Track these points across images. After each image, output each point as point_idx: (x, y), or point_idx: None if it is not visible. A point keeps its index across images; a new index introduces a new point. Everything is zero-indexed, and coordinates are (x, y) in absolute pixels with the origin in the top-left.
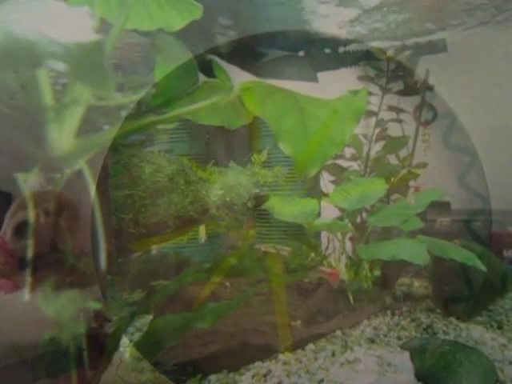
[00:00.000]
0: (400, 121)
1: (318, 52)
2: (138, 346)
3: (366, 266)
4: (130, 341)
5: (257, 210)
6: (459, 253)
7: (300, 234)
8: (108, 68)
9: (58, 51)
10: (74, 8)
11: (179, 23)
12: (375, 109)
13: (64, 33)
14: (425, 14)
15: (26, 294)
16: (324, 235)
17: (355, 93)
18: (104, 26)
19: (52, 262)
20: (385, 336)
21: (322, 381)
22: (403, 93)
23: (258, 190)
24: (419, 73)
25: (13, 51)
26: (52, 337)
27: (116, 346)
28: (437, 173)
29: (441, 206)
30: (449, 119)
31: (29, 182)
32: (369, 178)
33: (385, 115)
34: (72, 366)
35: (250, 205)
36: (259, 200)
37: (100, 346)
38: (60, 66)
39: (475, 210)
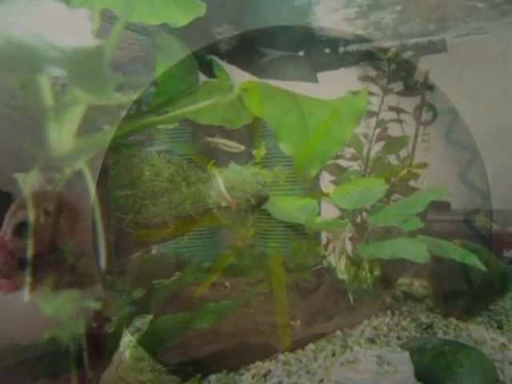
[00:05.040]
0: (400, 121)
1: (318, 52)
2: (140, 343)
3: (366, 265)
4: (130, 341)
5: (258, 208)
6: (459, 252)
7: (300, 234)
8: (107, 73)
9: (57, 56)
10: (74, 10)
11: (183, 20)
12: (376, 109)
13: (64, 36)
14: (425, 14)
15: (25, 294)
16: (324, 235)
17: (356, 93)
18: (104, 28)
19: (52, 262)
20: (385, 336)
21: (322, 381)
22: (404, 93)
23: (260, 187)
24: (419, 73)
25: (12, 56)
26: (52, 337)
27: (116, 346)
28: (437, 172)
29: (440, 206)
30: (450, 116)
31: (29, 182)
32: (369, 178)
33: (385, 115)
34: (72, 366)
35: (253, 201)
36: (261, 198)
37: (100, 345)
38: (59, 72)
39: (476, 209)
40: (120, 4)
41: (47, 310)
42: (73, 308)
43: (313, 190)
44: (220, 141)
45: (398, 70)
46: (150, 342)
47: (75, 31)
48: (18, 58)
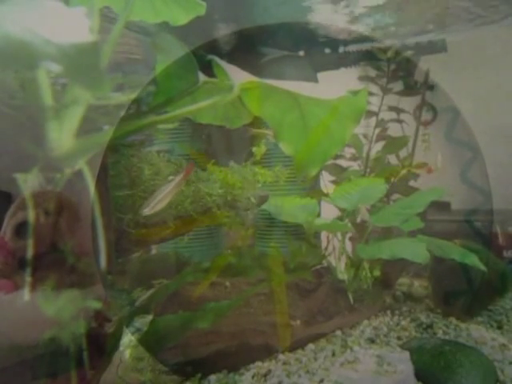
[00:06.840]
0: (400, 121)
1: (317, 52)
2: (140, 343)
3: (366, 266)
4: (130, 341)
5: (258, 208)
6: (459, 252)
7: (300, 234)
8: (103, 69)
9: (52, 52)
10: (72, 9)
11: (183, 18)
12: (375, 109)
13: (61, 33)
14: (425, 14)
15: (25, 294)
16: (324, 235)
17: (355, 93)
18: (103, 26)
19: (52, 262)
20: (385, 336)
21: (322, 381)
22: (404, 93)
23: (260, 185)
24: (419, 73)
25: (8, 52)
26: (52, 337)
27: (116, 346)
28: (437, 172)
29: (441, 206)
30: (451, 114)
31: (29, 182)
32: (369, 178)
33: (385, 115)
34: (72, 366)
35: (253, 200)
36: (261, 198)
37: (100, 346)
38: (55, 67)
39: (477, 209)
40: (121, 2)
41: (49, 311)
42: (73, 308)
43: (313, 189)
44: (267, 131)
45: (397, 70)
46: (150, 342)
47: (72, 28)
48: (15, 54)
